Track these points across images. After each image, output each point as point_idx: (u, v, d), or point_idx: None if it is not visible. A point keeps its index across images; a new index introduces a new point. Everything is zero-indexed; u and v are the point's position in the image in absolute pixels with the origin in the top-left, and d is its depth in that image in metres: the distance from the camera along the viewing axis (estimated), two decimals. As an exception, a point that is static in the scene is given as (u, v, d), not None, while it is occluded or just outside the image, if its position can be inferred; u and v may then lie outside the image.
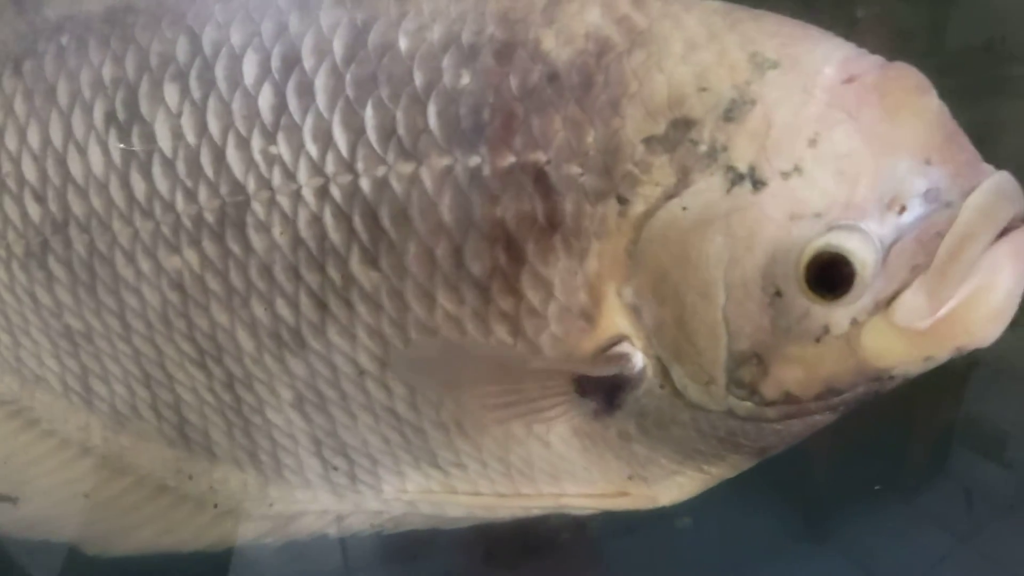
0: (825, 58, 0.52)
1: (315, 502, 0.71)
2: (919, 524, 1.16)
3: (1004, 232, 0.48)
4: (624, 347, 0.57)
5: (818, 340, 0.51)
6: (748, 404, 0.55)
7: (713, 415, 0.57)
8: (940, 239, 0.48)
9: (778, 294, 0.51)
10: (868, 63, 0.52)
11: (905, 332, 0.50)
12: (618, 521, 1.16)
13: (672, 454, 0.61)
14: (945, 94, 0.54)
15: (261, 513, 0.71)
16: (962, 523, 1.17)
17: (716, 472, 0.63)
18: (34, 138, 0.65)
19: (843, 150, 0.50)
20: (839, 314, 0.50)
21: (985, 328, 0.49)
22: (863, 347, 0.51)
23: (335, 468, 0.69)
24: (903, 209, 0.49)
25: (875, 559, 1.13)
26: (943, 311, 0.48)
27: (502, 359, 0.59)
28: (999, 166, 0.53)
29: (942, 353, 0.50)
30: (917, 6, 1.07)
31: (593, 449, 0.62)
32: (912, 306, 0.49)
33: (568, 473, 0.64)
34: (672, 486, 0.64)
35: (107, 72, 0.63)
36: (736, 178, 0.51)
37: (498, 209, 0.56)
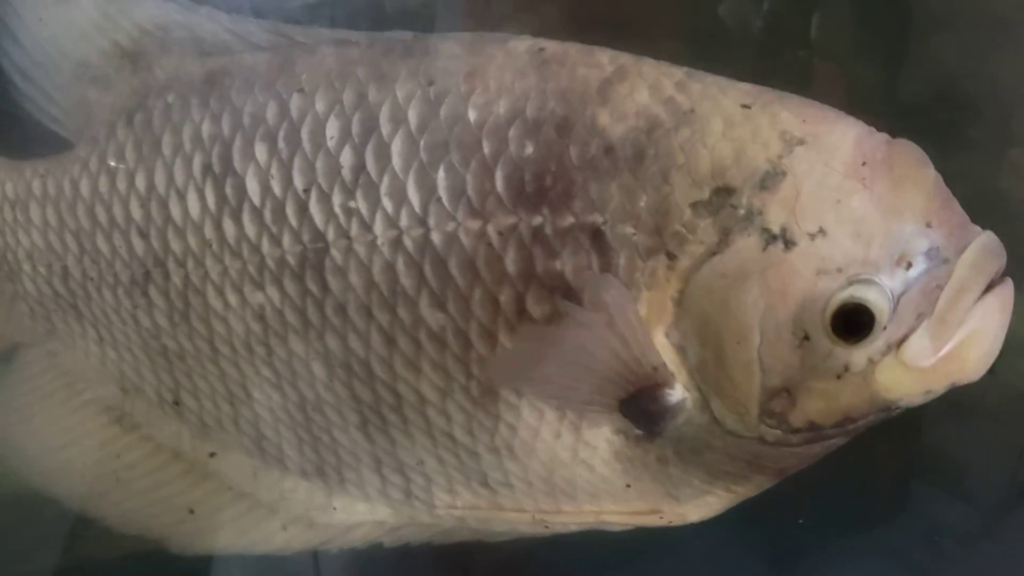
0: (842, 136, 0.60)
1: (373, 514, 0.77)
2: (883, 559, 1.18)
3: (991, 284, 0.57)
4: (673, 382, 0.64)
5: (839, 377, 0.59)
6: (777, 432, 0.62)
7: (744, 441, 0.64)
8: (940, 291, 0.57)
9: (806, 338, 0.59)
10: (877, 140, 0.60)
11: (912, 369, 0.58)
12: (589, 558, 1.17)
13: (704, 476, 0.68)
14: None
15: (325, 522, 0.78)
16: (924, 558, 1.19)
17: (741, 491, 0.70)
18: (141, 182, 0.72)
19: (859, 215, 0.58)
20: (858, 355, 0.58)
21: (977, 365, 0.58)
22: (877, 382, 0.59)
23: (393, 484, 0.75)
24: (910, 265, 0.57)
25: (842, 593, 1.15)
26: (943, 351, 0.57)
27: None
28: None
29: (940, 387, 0.59)
30: (871, 62, 1.11)
31: (632, 471, 0.69)
32: (918, 347, 0.57)
33: (608, 493, 0.71)
34: (702, 505, 0.70)
35: (205, 128, 0.70)
36: (770, 238, 0.59)
37: (558, 263, 0.63)
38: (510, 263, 0.64)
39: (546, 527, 0.74)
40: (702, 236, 0.61)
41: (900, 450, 1.18)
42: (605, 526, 0.73)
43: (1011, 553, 1.20)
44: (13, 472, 0.81)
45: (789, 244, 0.59)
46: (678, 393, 0.64)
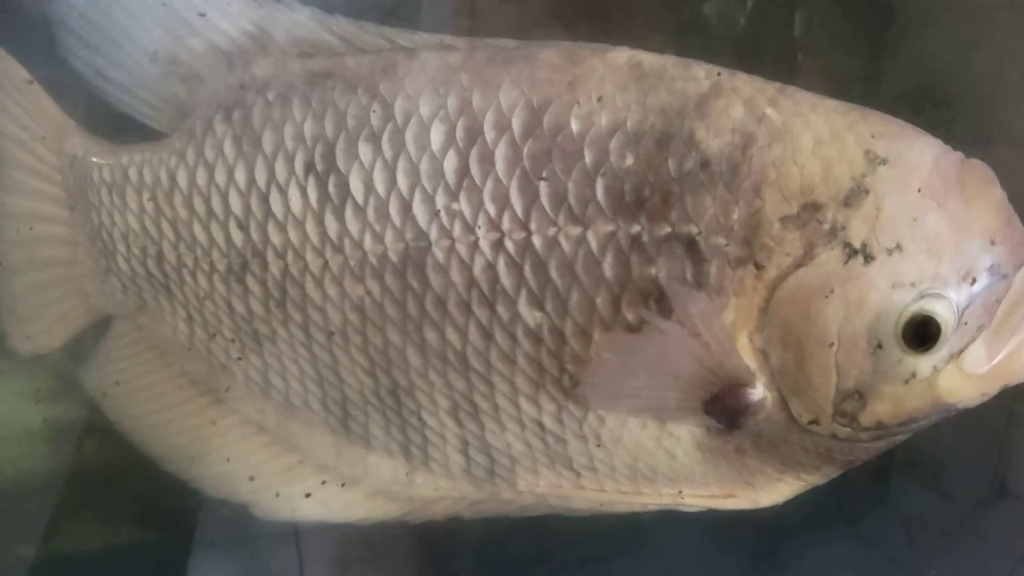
0: (921, 155, 0.64)
1: (455, 490, 0.81)
2: (863, 553, 1.19)
3: None
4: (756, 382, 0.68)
5: (906, 382, 0.64)
6: (848, 430, 0.67)
7: (819, 437, 0.68)
8: (998, 304, 0.62)
9: (879, 346, 0.63)
10: (952, 159, 0.64)
11: (970, 376, 0.63)
12: (574, 554, 1.17)
13: (778, 465, 0.72)
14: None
15: (407, 495, 0.82)
16: (904, 552, 1.20)
17: (810, 479, 0.74)
18: (240, 176, 0.75)
19: (933, 232, 0.62)
20: (924, 363, 0.63)
21: None
22: (939, 387, 0.64)
23: (477, 464, 0.79)
24: (974, 281, 0.62)
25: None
26: (998, 359, 0.62)
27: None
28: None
29: (994, 390, 0.64)
30: (855, 56, 1.12)
31: (711, 460, 0.73)
32: (976, 356, 0.62)
33: (686, 479, 0.75)
34: (773, 491, 0.75)
35: (308, 128, 0.73)
36: (851, 252, 0.63)
37: (653, 269, 0.66)
38: (608, 268, 0.67)
39: (624, 506, 0.78)
40: (789, 248, 0.64)
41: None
42: (681, 507, 0.77)
43: (988, 547, 1.21)
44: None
45: (868, 259, 0.63)
46: (759, 392, 0.67)
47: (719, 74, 0.68)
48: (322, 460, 0.82)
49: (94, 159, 0.79)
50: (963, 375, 0.63)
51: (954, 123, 1.07)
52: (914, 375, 0.64)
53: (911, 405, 0.65)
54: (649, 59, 0.69)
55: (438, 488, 0.81)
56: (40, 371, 0.93)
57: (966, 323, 0.62)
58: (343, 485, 0.82)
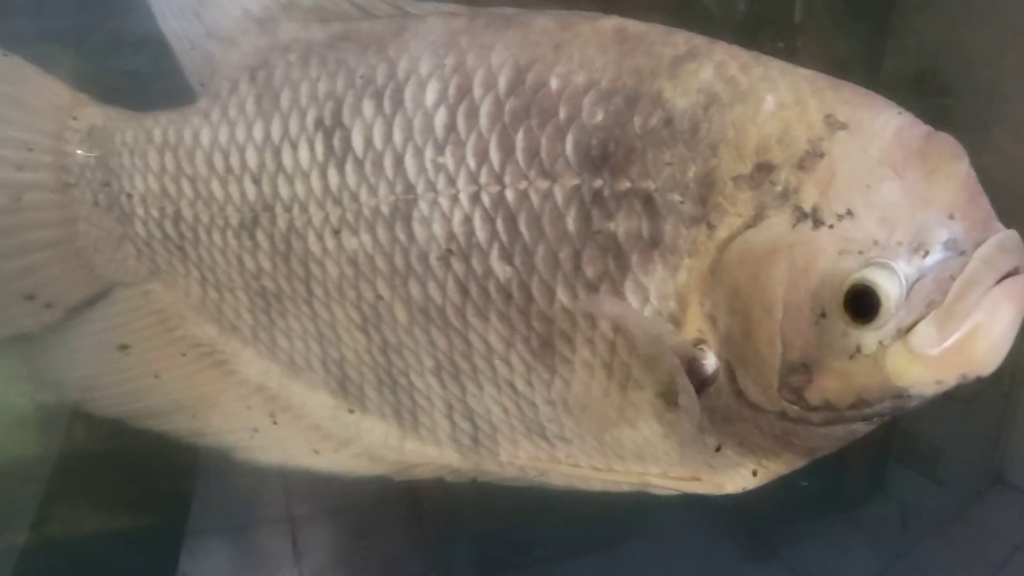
0: (885, 124, 0.61)
1: (442, 458, 0.82)
2: (859, 540, 1.19)
3: (1005, 278, 0.58)
4: (703, 349, 0.66)
5: (851, 357, 0.60)
6: (796, 408, 0.64)
7: (770, 415, 0.65)
8: (952, 281, 0.58)
9: (823, 315, 0.60)
10: (918, 131, 0.61)
11: (920, 357, 0.58)
12: (567, 542, 1.17)
13: (737, 447, 0.70)
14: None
15: (394, 459, 0.83)
16: (898, 540, 1.20)
17: (773, 467, 0.72)
18: (258, 133, 0.77)
19: (887, 200, 0.59)
20: (869, 337, 0.59)
21: (984, 358, 0.58)
22: (886, 367, 0.59)
23: (462, 430, 0.80)
24: (927, 253, 0.58)
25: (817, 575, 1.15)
26: (949, 341, 0.57)
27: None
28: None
29: (949, 378, 0.59)
30: (854, 39, 1.12)
31: (672, 436, 0.72)
32: (925, 335, 0.58)
33: (652, 456, 0.74)
34: (736, 476, 0.72)
35: (321, 86, 0.75)
36: (801, 216, 0.61)
37: (612, 224, 0.66)
38: (571, 222, 0.67)
39: (598, 483, 0.78)
40: (741, 209, 0.63)
41: (877, 433, 1.19)
42: (651, 488, 0.76)
43: (983, 536, 1.22)
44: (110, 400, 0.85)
45: (818, 223, 0.60)
46: (711, 362, 0.66)
47: (698, 40, 0.67)
48: (319, 420, 0.84)
49: (117, 124, 0.82)
50: (912, 355, 0.59)
51: (954, 106, 1.07)
52: (859, 349, 0.60)
53: (858, 383, 0.61)
54: (634, 26, 0.69)
55: (425, 456, 0.82)
56: (31, 354, 0.92)
57: (915, 298, 0.58)
58: (334, 442, 0.84)
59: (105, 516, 1.02)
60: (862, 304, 0.58)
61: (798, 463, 0.71)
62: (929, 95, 1.07)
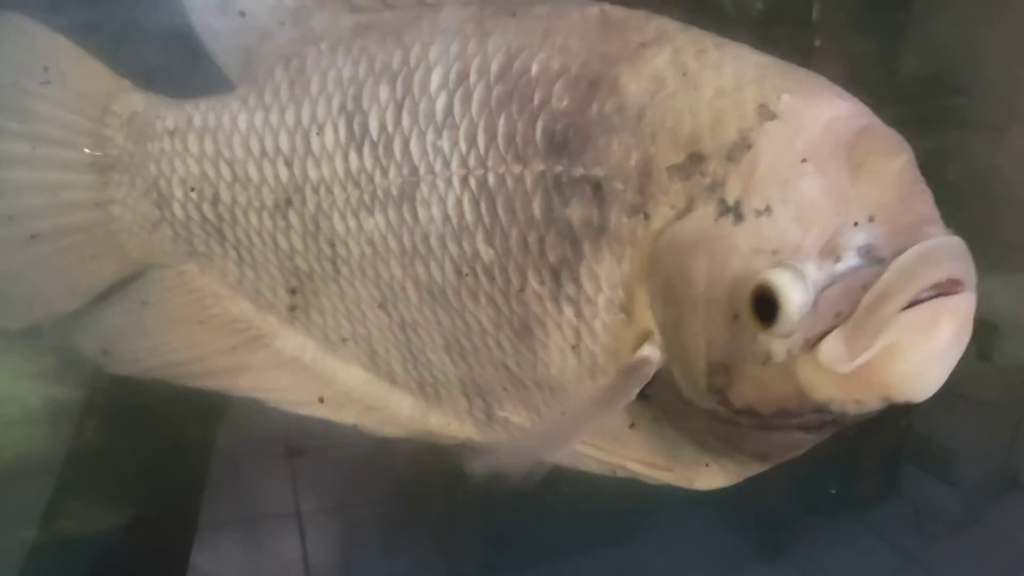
0: (818, 115, 0.58)
1: (463, 432, 0.83)
2: (871, 541, 1.18)
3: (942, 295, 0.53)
4: (652, 341, 0.65)
5: (763, 363, 0.57)
6: (723, 409, 0.61)
7: (706, 415, 0.63)
8: (864, 291, 0.53)
9: (736, 316, 0.58)
10: (852, 124, 0.57)
11: (829, 372, 0.54)
12: (577, 538, 1.17)
13: (694, 444, 0.69)
14: (894, 122, 0.59)
15: (417, 429, 0.85)
16: (911, 541, 1.20)
17: (733, 468, 0.70)
18: (290, 118, 0.80)
19: (805, 198, 0.55)
20: (777, 344, 0.56)
21: (904, 384, 0.53)
22: (798, 377, 0.56)
23: (477, 406, 0.81)
24: (838, 259, 0.54)
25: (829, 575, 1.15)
26: (859, 360, 0.53)
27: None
28: (944, 192, 0.57)
29: (869, 400, 0.55)
30: (870, 39, 1.11)
31: (639, 425, 0.71)
32: (832, 350, 0.54)
33: (629, 441, 0.73)
34: (703, 473, 0.71)
35: (346, 72, 0.78)
36: (724, 210, 0.58)
37: (568, 210, 0.66)
38: (537, 207, 0.68)
39: (585, 463, 0.77)
40: (673, 200, 0.61)
41: (890, 434, 1.18)
42: (635, 475, 0.75)
43: (998, 538, 1.21)
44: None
45: (738, 218, 0.57)
46: (656, 354, 0.64)
47: (669, 27, 0.66)
48: (351, 391, 0.86)
49: (158, 110, 0.84)
50: (821, 370, 0.54)
51: (969, 106, 1.06)
52: (769, 357, 0.56)
53: (775, 392, 0.57)
54: (617, 12, 0.68)
55: (448, 430, 0.83)
56: (40, 350, 0.93)
57: (821, 307, 0.54)
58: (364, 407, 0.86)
59: (115, 512, 1.03)
60: (763, 308, 0.55)
61: (758, 467, 0.68)
62: (945, 95, 1.06)
